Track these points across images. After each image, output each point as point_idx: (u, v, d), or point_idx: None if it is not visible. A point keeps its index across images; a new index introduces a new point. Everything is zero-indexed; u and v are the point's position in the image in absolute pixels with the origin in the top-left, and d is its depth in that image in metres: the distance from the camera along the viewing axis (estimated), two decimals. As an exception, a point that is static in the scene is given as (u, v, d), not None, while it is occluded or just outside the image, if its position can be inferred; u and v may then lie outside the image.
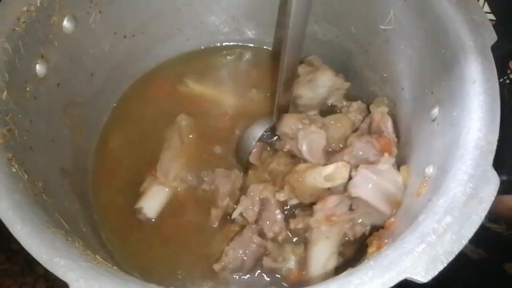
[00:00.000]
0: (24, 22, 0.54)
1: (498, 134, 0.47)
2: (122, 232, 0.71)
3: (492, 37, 0.53)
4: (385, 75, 0.73)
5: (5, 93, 0.51)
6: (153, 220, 0.71)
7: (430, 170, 0.55)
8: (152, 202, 0.71)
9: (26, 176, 0.48)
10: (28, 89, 0.55)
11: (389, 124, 0.70)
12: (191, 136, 0.77)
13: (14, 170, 0.47)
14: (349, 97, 0.78)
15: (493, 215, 0.78)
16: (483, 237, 0.79)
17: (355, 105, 0.76)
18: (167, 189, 0.72)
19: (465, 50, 0.53)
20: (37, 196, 0.48)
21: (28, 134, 0.54)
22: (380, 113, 0.71)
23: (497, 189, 0.44)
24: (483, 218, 0.43)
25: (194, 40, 0.86)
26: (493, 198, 0.44)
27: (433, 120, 0.58)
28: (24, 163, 0.50)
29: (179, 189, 0.72)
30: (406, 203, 0.60)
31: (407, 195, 0.60)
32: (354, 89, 0.79)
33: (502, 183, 0.46)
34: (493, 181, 0.45)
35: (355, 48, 0.77)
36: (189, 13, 0.82)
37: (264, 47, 0.89)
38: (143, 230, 0.71)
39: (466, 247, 0.83)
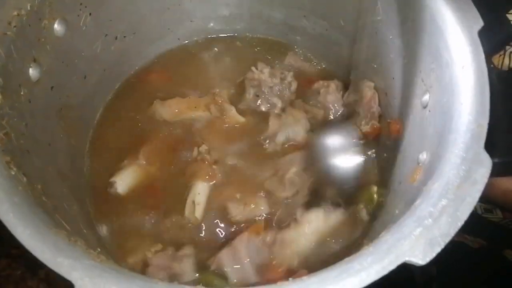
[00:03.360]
0: (15, 26, 0.54)
1: (488, 117, 0.48)
2: (121, 231, 0.71)
3: (478, 22, 0.54)
4: (375, 66, 0.74)
5: (0, 97, 0.51)
6: (121, 195, 0.72)
7: (423, 156, 0.56)
8: (126, 179, 0.73)
9: (25, 179, 0.48)
10: (22, 93, 0.56)
11: (377, 99, 0.74)
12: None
13: (13, 173, 0.47)
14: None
15: (487, 202, 0.79)
16: (481, 227, 0.81)
17: (333, 85, 0.79)
18: (142, 170, 0.73)
19: (452, 36, 0.54)
20: (37, 198, 0.48)
21: (25, 138, 0.54)
22: (371, 90, 0.74)
23: (489, 170, 0.45)
24: (477, 199, 0.44)
25: (185, 38, 0.87)
26: (486, 180, 0.45)
27: (425, 107, 0.59)
28: (22, 166, 0.50)
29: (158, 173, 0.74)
30: (401, 189, 0.61)
31: (402, 181, 0.61)
32: (345, 81, 0.81)
33: (494, 165, 0.47)
34: (486, 163, 0.46)
35: (345, 40, 0.78)
36: (179, 12, 0.82)
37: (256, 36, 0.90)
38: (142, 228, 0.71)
39: (465, 238, 0.85)
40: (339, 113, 0.78)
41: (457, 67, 0.52)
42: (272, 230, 0.66)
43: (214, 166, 0.74)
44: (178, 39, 0.86)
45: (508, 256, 0.84)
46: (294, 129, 0.76)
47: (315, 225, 0.65)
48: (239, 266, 0.63)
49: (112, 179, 0.72)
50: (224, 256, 0.63)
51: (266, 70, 0.79)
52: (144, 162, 0.74)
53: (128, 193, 0.72)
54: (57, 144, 0.65)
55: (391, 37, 0.67)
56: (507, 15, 0.77)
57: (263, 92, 0.79)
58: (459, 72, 0.52)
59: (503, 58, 0.92)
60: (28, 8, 0.55)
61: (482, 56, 0.52)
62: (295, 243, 0.64)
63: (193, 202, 0.70)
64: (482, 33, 0.54)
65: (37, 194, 0.50)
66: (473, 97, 0.49)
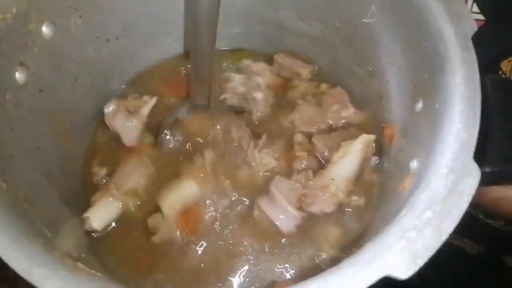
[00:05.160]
0: (0, 30, 0.53)
1: (478, 126, 0.47)
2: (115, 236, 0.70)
3: (472, 27, 0.52)
4: (370, 68, 0.72)
5: (-17, 102, 0.51)
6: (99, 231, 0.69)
7: (414, 164, 0.54)
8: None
9: (5, 185, 0.48)
10: (7, 97, 0.55)
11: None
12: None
13: (-8, 181, 0.47)
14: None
15: (477, 207, 0.77)
16: (481, 233, 0.79)
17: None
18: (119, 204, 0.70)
19: (445, 41, 0.52)
20: (17, 206, 0.48)
21: (8, 143, 0.54)
22: None
23: (478, 181, 0.44)
24: (464, 211, 0.42)
25: (180, 41, 0.86)
26: (474, 191, 0.43)
27: (418, 113, 0.58)
28: (4, 172, 0.49)
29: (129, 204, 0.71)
30: (393, 197, 0.59)
31: (394, 189, 0.60)
32: (342, 83, 0.80)
33: (486, 174, 0.45)
34: (474, 174, 0.44)
35: (340, 43, 0.76)
36: (174, 14, 0.81)
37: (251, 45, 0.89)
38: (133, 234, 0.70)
39: (464, 243, 0.84)
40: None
41: (449, 73, 0.51)
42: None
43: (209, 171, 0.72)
44: (173, 40, 0.85)
45: (508, 262, 0.82)
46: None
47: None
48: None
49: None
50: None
51: (233, 76, 0.82)
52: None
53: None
54: (47, 147, 0.64)
55: (385, 40, 0.66)
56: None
57: (243, 95, 0.80)
58: (451, 79, 0.50)
59: (512, 64, 0.91)
60: (14, 11, 0.55)
61: (475, 62, 0.50)
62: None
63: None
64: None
65: (18, 201, 0.49)
66: (464, 105, 0.48)
